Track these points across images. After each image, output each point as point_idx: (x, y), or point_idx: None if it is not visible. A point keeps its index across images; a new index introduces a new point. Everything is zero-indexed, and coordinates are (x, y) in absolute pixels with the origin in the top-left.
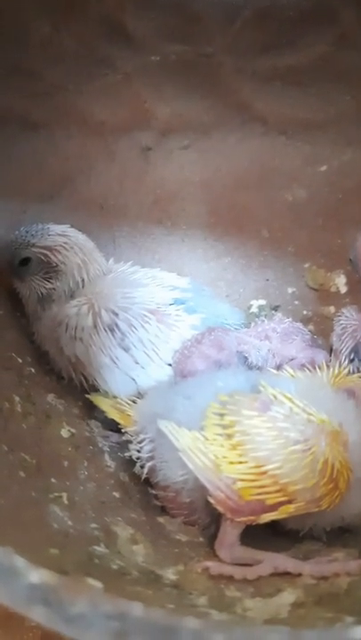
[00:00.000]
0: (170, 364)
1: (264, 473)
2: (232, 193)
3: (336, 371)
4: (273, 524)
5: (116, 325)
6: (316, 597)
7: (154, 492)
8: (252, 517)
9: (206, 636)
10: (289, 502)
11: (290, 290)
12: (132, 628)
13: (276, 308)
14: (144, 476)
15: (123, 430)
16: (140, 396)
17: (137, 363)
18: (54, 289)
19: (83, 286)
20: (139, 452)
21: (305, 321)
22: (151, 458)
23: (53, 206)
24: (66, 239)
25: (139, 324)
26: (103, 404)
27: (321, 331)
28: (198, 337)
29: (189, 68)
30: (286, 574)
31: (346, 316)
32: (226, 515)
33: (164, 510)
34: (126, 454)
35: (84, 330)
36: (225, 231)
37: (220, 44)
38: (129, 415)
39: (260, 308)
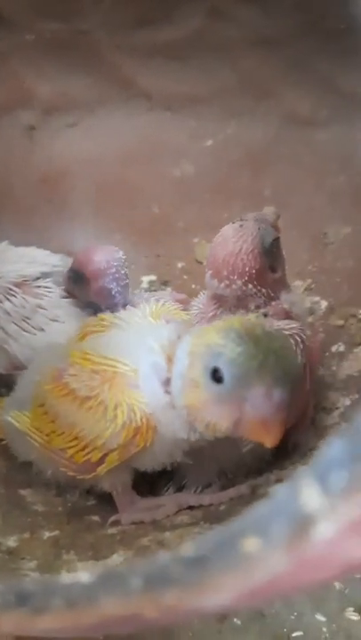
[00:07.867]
0: (43, 329)
1: (76, 437)
2: (121, 170)
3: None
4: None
5: None
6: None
7: None
8: (93, 474)
9: None
10: (106, 454)
11: (179, 264)
12: None
13: (165, 283)
14: None
15: None
16: (15, 367)
17: (7, 334)
18: None
19: None
20: None
21: (193, 294)
22: None
23: None
24: None
25: (3, 297)
26: None
27: None
28: None
29: (68, 46)
30: None
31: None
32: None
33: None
34: None
35: None
36: (115, 208)
37: (94, 21)
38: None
39: (151, 283)
